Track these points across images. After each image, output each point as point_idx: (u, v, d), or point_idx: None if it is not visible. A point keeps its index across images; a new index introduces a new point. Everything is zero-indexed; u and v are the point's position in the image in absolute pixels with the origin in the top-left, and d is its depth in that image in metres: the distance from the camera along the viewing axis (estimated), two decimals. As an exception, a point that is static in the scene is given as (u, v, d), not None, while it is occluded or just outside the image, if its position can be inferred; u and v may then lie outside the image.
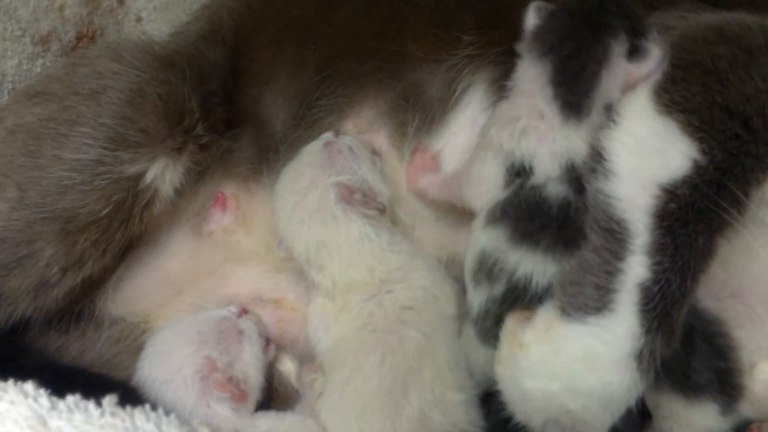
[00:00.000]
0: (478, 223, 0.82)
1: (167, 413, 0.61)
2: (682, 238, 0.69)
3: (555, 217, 0.77)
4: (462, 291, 0.87)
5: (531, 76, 0.80)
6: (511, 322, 0.74)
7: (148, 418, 0.60)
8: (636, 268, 0.69)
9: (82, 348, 0.92)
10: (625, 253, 0.70)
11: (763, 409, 0.74)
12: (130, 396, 0.64)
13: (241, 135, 0.95)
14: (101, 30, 1.15)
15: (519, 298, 0.77)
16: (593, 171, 0.74)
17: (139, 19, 1.19)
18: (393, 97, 0.93)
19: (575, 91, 0.78)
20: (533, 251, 0.77)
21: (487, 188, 0.82)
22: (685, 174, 0.70)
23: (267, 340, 0.88)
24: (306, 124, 0.94)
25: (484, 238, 0.80)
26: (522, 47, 0.83)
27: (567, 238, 0.76)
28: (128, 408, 0.61)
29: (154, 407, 0.62)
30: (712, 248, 0.71)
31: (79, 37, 1.11)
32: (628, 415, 0.71)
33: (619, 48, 0.78)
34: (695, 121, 0.72)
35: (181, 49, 0.95)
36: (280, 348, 0.90)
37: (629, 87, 0.79)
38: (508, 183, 0.81)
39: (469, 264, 0.82)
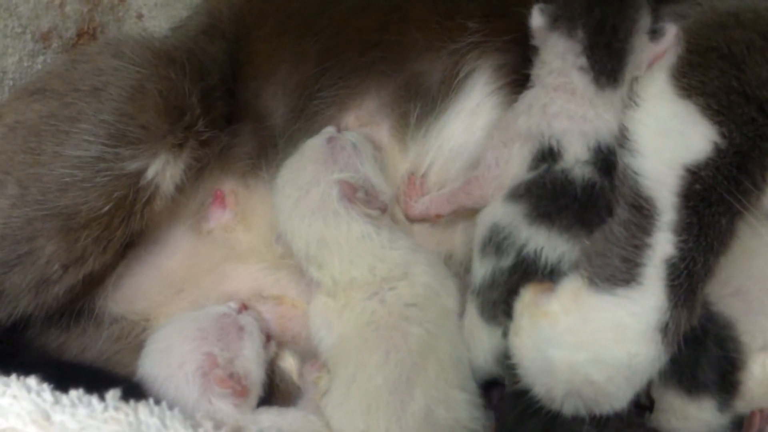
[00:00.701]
0: (498, 199, 0.82)
1: (171, 407, 0.61)
2: (707, 219, 0.71)
3: (578, 199, 0.78)
4: (463, 287, 0.87)
5: (560, 53, 0.81)
6: (529, 293, 0.75)
7: (151, 412, 0.60)
8: (663, 244, 0.70)
9: (83, 346, 0.92)
10: (652, 229, 0.71)
11: (755, 404, 0.75)
12: (134, 391, 0.63)
13: (240, 130, 0.95)
14: (102, 27, 1.14)
15: (528, 272, 0.78)
16: (621, 147, 0.77)
17: (140, 16, 1.19)
18: (395, 88, 0.93)
19: (610, 54, 0.79)
20: (548, 229, 0.78)
21: (512, 178, 0.83)
22: (708, 156, 0.72)
23: (268, 336, 0.87)
24: (306, 116, 0.94)
25: (500, 212, 0.81)
26: (542, 31, 0.83)
27: (585, 220, 0.77)
28: (132, 402, 0.60)
29: (157, 401, 0.61)
30: (733, 230, 0.72)
31: (79, 34, 1.11)
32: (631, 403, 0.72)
33: (643, 20, 0.79)
34: (714, 104, 0.73)
35: (181, 45, 0.94)
36: (281, 344, 0.90)
37: (648, 64, 0.80)
38: (533, 167, 0.82)
39: (479, 235, 0.82)
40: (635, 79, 0.80)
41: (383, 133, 0.94)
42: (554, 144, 0.81)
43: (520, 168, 0.83)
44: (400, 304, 0.83)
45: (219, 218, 0.95)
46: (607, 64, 0.79)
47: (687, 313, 0.70)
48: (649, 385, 0.74)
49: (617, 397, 0.70)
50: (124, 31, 1.15)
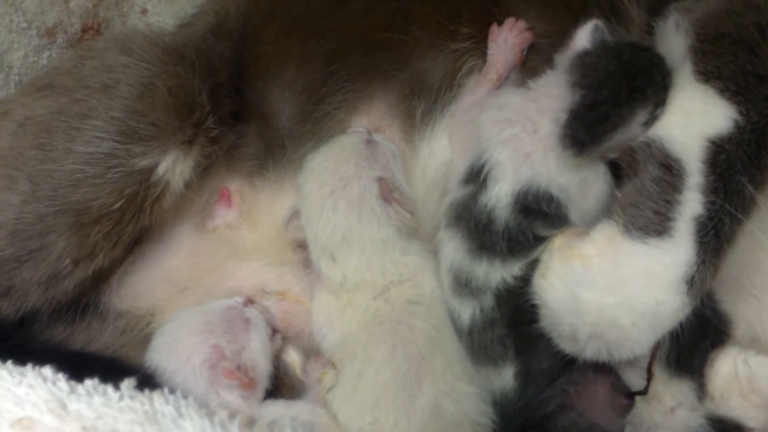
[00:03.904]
0: (441, 224, 0.85)
1: (185, 396, 0.62)
2: (732, 185, 0.74)
3: (503, 238, 0.81)
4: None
5: (554, 94, 0.81)
6: (560, 237, 0.78)
7: (167, 401, 0.60)
8: (692, 203, 0.74)
9: (88, 339, 0.92)
10: (682, 188, 0.74)
11: (721, 405, 0.78)
12: (148, 380, 0.65)
13: (247, 130, 0.97)
14: (106, 22, 1.15)
15: (512, 298, 0.80)
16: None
17: (144, 12, 1.19)
18: (400, 87, 0.94)
19: (589, 133, 0.79)
20: (493, 260, 0.81)
21: (463, 151, 0.86)
22: (729, 132, 0.75)
23: (273, 330, 0.89)
24: (315, 119, 0.95)
25: (448, 248, 0.84)
26: (561, 61, 0.84)
27: (516, 252, 0.80)
28: (147, 391, 0.61)
29: (172, 390, 0.62)
30: (755, 201, 0.76)
31: (84, 29, 1.12)
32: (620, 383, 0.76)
33: (641, 117, 0.80)
34: (731, 86, 0.77)
35: (190, 42, 0.96)
36: (286, 339, 0.91)
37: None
38: (465, 182, 0.84)
39: (446, 280, 0.85)
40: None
41: (395, 135, 0.96)
42: (486, 168, 0.82)
43: (464, 157, 0.86)
44: (405, 302, 0.85)
45: (224, 216, 0.96)
46: (580, 137, 0.79)
47: (712, 271, 0.74)
48: (651, 360, 0.77)
49: (639, 343, 0.73)
50: (129, 27, 1.16)
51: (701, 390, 0.78)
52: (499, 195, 0.81)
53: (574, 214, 0.82)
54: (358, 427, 0.80)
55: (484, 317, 0.82)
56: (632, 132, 0.79)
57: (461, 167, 0.87)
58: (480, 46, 0.92)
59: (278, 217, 0.94)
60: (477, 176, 0.83)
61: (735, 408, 0.77)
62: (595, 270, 0.74)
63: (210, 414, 0.59)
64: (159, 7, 1.18)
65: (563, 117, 0.79)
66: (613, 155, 0.82)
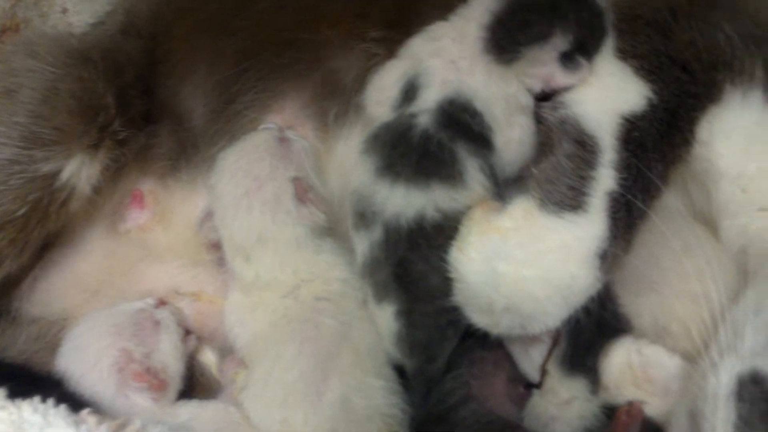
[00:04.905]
0: (359, 150, 0.86)
1: (56, 404, 0.62)
2: (644, 162, 0.76)
3: (415, 148, 0.81)
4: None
5: (482, 4, 0.85)
6: (478, 210, 0.79)
7: (35, 410, 0.61)
8: (606, 178, 0.75)
9: (3, 345, 0.92)
10: (595, 164, 0.76)
11: (616, 395, 0.79)
12: (23, 389, 0.64)
13: (158, 130, 0.96)
14: (26, 23, 1.13)
15: (408, 239, 0.80)
16: (556, 107, 0.81)
17: (64, 11, 1.17)
18: (313, 87, 0.94)
19: (509, 36, 0.82)
20: (395, 184, 0.80)
21: (383, 98, 0.86)
22: (643, 110, 0.78)
23: (187, 331, 0.89)
24: (226, 118, 0.94)
25: (356, 173, 0.84)
26: None
27: (424, 170, 0.80)
28: (17, 401, 0.61)
29: (44, 399, 0.63)
30: (666, 178, 0.79)
31: (3, 30, 1.10)
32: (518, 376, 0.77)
33: (559, 41, 0.82)
34: (645, 65, 0.79)
35: (98, 43, 0.95)
36: (200, 339, 0.92)
37: (548, 87, 0.84)
38: (397, 106, 0.85)
39: (350, 207, 0.85)
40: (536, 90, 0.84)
41: (309, 133, 0.95)
42: (419, 81, 0.84)
43: (392, 89, 0.87)
44: (313, 299, 0.85)
45: (137, 218, 0.95)
46: (502, 40, 0.82)
47: (623, 246, 0.76)
48: (546, 358, 0.79)
49: (553, 315, 0.74)
50: (49, 26, 1.13)
51: (596, 383, 0.79)
52: (425, 102, 0.83)
53: (499, 140, 0.83)
54: (269, 426, 0.80)
55: (372, 253, 0.82)
56: (550, 59, 0.82)
57: None
58: (392, 47, 0.91)
59: (192, 218, 0.93)
60: (409, 93, 0.85)
61: (629, 397, 0.78)
62: (512, 243, 0.75)
63: (78, 422, 0.60)
64: (79, 6, 1.16)
65: (488, 20, 0.83)
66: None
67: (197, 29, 0.97)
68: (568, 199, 0.75)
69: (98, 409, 0.79)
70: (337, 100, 0.93)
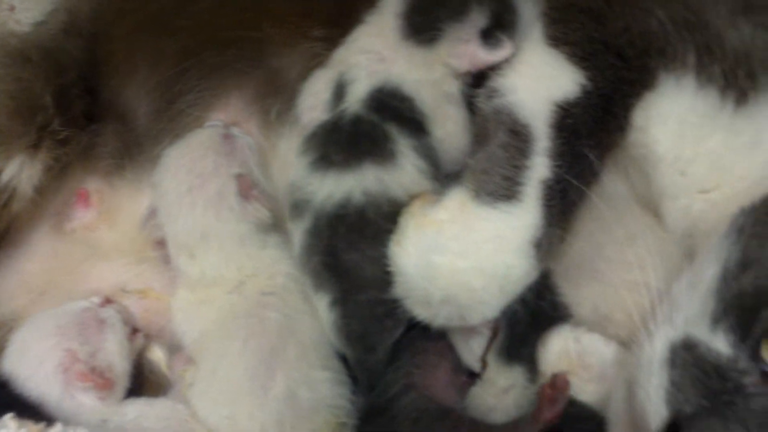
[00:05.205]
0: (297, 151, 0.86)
1: None
2: (578, 149, 0.77)
3: (346, 131, 0.82)
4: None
5: None
6: (416, 204, 0.79)
7: None
8: (539, 167, 0.75)
9: None
10: (529, 153, 0.76)
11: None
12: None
13: (102, 129, 0.95)
14: (-27, 19, 1.12)
15: (331, 224, 0.80)
16: (490, 96, 0.80)
17: (12, 8, 1.16)
18: (255, 85, 0.94)
19: (426, 14, 0.83)
20: (327, 172, 0.81)
21: (316, 103, 0.87)
22: (577, 96, 0.77)
23: (134, 329, 0.89)
24: (169, 117, 0.94)
25: (294, 169, 0.84)
26: None
27: (358, 150, 0.81)
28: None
29: None
30: (602, 164, 0.79)
31: (-50, 29, 1.09)
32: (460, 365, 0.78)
33: (477, 17, 0.83)
34: (579, 52, 0.79)
35: (39, 42, 0.95)
36: (149, 337, 0.92)
37: (472, 66, 0.84)
38: (330, 108, 0.86)
39: (286, 198, 0.86)
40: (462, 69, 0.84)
41: (253, 130, 0.95)
42: (344, 79, 0.85)
43: (324, 92, 0.87)
44: (258, 294, 0.86)
45: (82, 218, 0.95)
46: (418, 21, 0.83)
47: (558, 234, 0.77)
48: (485, 349, 0.80)
49: (490, 305, 0.75)
50: (-3, 24, 1.13)
51: (533, 371, 0.80)
52: (355, 95, 0.84)
53: (437, 131, 0.84)
54: (216, 422, 0.81)
55: (304, 241, 0.82)
56: (471, 37, 0.83)
57: None
58: (334, 45, 0.92)
59: (137, 216, 0.93)
60: (339, 93, 0.86)
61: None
62: (447, 235, 0.75)
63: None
64: (26, 3, 1.14)
65: (402, 8, 0.84)
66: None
67: (138, 29, 0.97)
68: (502, 189, 0.75)
69: (46, 410, 0.81)
70: (279, 98, 0.93)
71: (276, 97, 0.93)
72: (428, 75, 0.84)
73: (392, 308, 0.78)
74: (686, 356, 0.66)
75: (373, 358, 0.81)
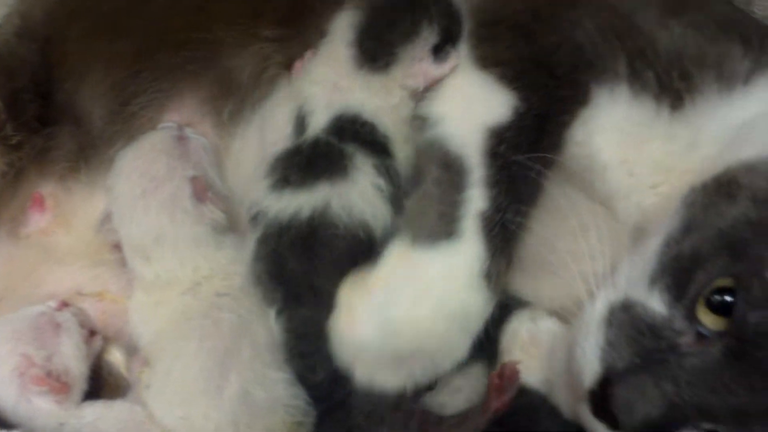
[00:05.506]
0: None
1: None
2: (515, 173, 0.76)
3: (305, 154, 0.83)
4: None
5: (343, 24, 0.86)
6: (347, 283, 0.78)
7: None
8: (476, 199, 0.75)
9: None
10: (464, 186, 0.75)
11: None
12: None
13: (57, 132, 0.95)
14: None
15: (278, 234, 0.81)
16: (421, 127, 0.80)
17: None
18: (208, 86, 0.94)
19: (378, 41, 0.83)
20: (284, 190, 0.82)
21: (279, 138, 0.88)
22: (509, 120, 0.77)
23: (91, 331, 0.89)
24: (123, 119, 0.94)
25: (256, 189, 0.85)
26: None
27: (315, 170, 0.82)
28: None
29: None
30: (540, 185, 0.78)
31: None
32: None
33: (428, 35, 0.83)
34: (509, 73, 0.78)
35: None
36: (107, 339, 0.92)
37: (426, 82, 0.84)
38: (295, 139, 0.86)
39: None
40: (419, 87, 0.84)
41: (208, 130, 0.95)
42: (303, 111, 0.86)
43: (286, 125, 0.88)
44: (213, 295, 0.86)
45: (38, 222, 0.95)
46: (371, 47, 0.83)
47: (505, 260, 0.76)
48: None
49: (458, 347, 0.75)
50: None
51: (492, 364, 0.81)
52: (316, 126, 0.84)
53: (400, 155, 0.84)
54: (172, 423, 0.81)
55: (254, 252, 0.83)
56: (424, 55, 0.82)
57: None
58: (286, 46, 0.92)
59: (93, 219, 0.93)
60: (300, 125, 0.86)
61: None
62: (396, 287, 0.75)
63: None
64: (-17, 6, 1.15)
65: (353, 36, 0.84)
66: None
67: (91, 31, 0.97)
68: (440, 227, 0.75)
69: (2, 415, 0.81)
70: (231, 98, 0.93)
71: (228, 98, 0.93)
72: (387, 101, 0.84)
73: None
74: (623, 316, 0.68)
75: (314, 378, 0.80)
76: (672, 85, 0.77)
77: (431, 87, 0.83)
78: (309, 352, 0.80)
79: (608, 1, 0.82)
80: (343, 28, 0.86)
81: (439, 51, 0.83)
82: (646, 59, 0.77)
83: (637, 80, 0.77)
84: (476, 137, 0.76)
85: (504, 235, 0.76)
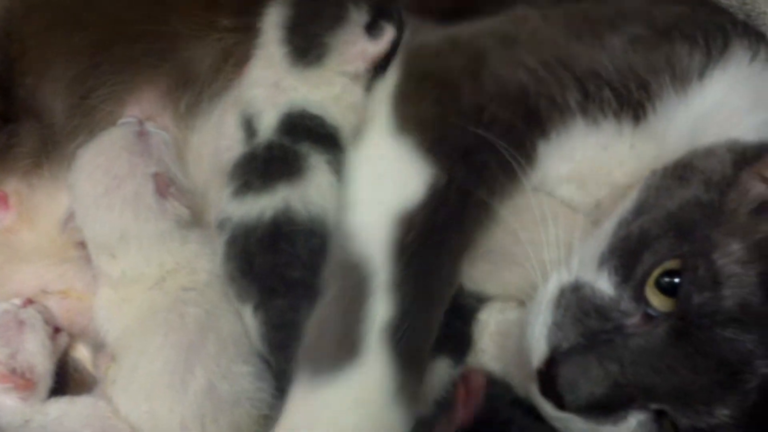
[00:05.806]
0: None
1: None
2: (424, 268, 0.71)
3: (261, 158, 0.83)
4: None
5: (272, 23, 0.86)
6: None
7: None
8: (380, 309, 0.69)
9: None
10: (368, 293, 0.70)
11: (487, 357, 0.82)
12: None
13: (19, 129, 0.95)
14: None
15: (246, 233, 0.82)
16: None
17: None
18: (166, 78, 0.94)
19: (306, 34, 0.83)
20: (245, 197, 0.82)
21: (232, 143, 0.88)
22: (423, 199, 0.71)
23: (56, 328, 0.89)
24: (83, 113, 0.94)
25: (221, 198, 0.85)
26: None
27: (272, 173, 0.82)
28: None
29: None
30: (455, 273, 0.74)
31: None
32: None
33: (357, 16, 0.83)
34: (429, 138, 0.72)
35: None
36: (72, 336, 0.92)
37: (366, 62, 0.84)
38: (248, 142, 0.86)
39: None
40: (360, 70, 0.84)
41: (168, 123, 0.95)
42: (249, 113, 0.86)
43: (235, 132, 0.88)
44: (178, 289, 0.86)
45: (2, 220, 0.95)
46: (300, 43, 0.84)
47: (417, 369, 0.71)
48: None
49: None
50: None
51: (460, 358, 0.81)
52: (266, 127, 0.84)
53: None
54: (137, 417, 0.82)
55: (223, 251, 0.84)
56: (357, 37, 0.83)
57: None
58: (244, 34, 0.92)
59: (57, 216, 0.93)
60: (249, 129, 0.86)
61: (483, 351, 0.81)
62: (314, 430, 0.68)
63: None
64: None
65: (281, 35, 0.84)
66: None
67: (49, 25, 0.96)
68: (342, 350, 0.69)
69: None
70: (189, 90, 0.93)
71: (185, 90, 0.93)
72: (329, 92, 0.84)
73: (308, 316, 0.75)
74: (572, 297, 0.69)
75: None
76: (631, 97, 0.75)
77: (372, 63, 0.83)
78: (288, 344, 0.79)
79: (544, 34, 0.79)
80: (272, 27, 0.86)
81: (372, 28, 0.83)
82: (600, 78, 0.75)
83: (592, 104, 0.75)
84: (382, 230, 0.71)
85: (415, 342, 0.70)
